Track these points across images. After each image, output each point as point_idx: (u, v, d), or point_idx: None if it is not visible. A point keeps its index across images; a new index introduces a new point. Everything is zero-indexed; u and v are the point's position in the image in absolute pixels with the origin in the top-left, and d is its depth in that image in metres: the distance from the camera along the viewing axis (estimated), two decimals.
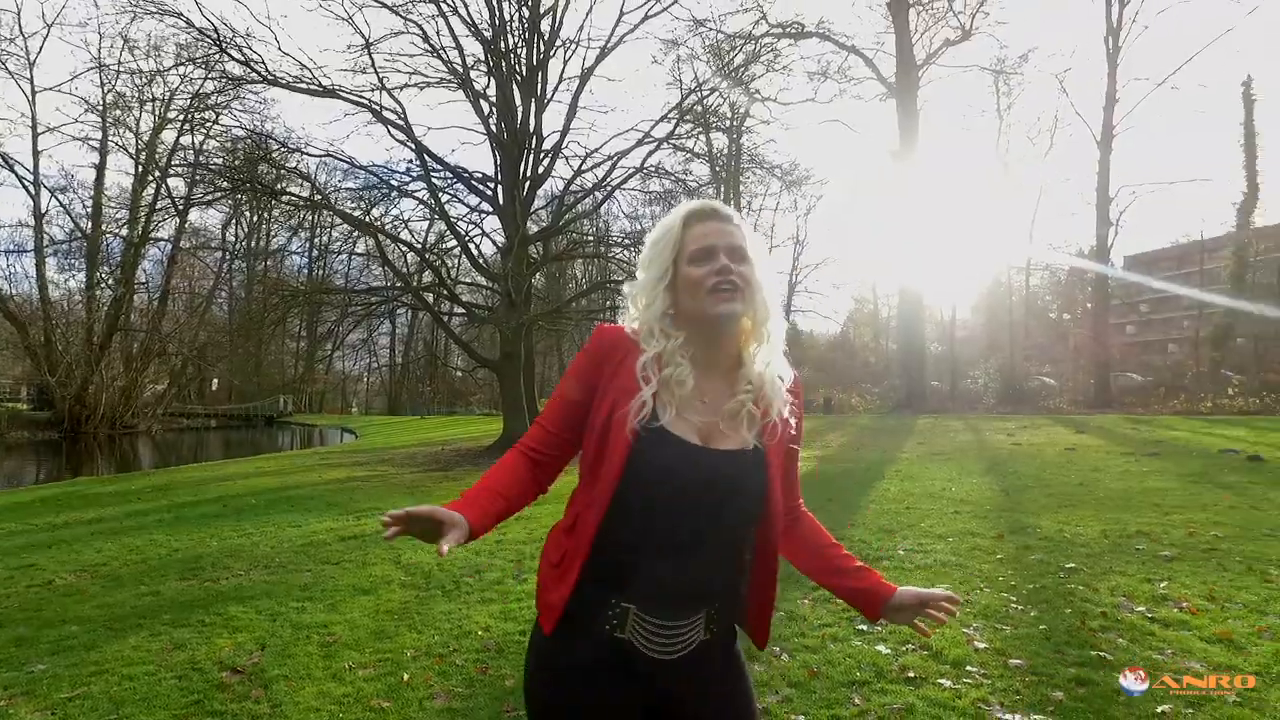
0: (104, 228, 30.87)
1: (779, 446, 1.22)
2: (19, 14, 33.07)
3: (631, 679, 1.15)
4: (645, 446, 1.13)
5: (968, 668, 3.12)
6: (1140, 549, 5.05)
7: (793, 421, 1.24)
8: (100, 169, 31.68)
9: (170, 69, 17.75)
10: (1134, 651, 3.23)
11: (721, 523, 1.15)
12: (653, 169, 16.54)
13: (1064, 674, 3.01)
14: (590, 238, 24.02)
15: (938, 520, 6.25)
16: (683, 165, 21.63)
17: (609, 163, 16.23)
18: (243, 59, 13.88)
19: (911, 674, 3.07)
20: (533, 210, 16.99)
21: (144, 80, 21.19)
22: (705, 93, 17.55)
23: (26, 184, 29.69)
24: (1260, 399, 22.04)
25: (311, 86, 14.21)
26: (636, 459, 1.12)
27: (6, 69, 28.97)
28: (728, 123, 29.98)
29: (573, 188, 17.08)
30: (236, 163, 16.72)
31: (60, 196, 31.16)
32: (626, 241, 24.55)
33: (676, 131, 16.22)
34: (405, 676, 3.20)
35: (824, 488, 8.54)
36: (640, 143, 15.85)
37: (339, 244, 38.77)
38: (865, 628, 3.64)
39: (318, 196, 15.94)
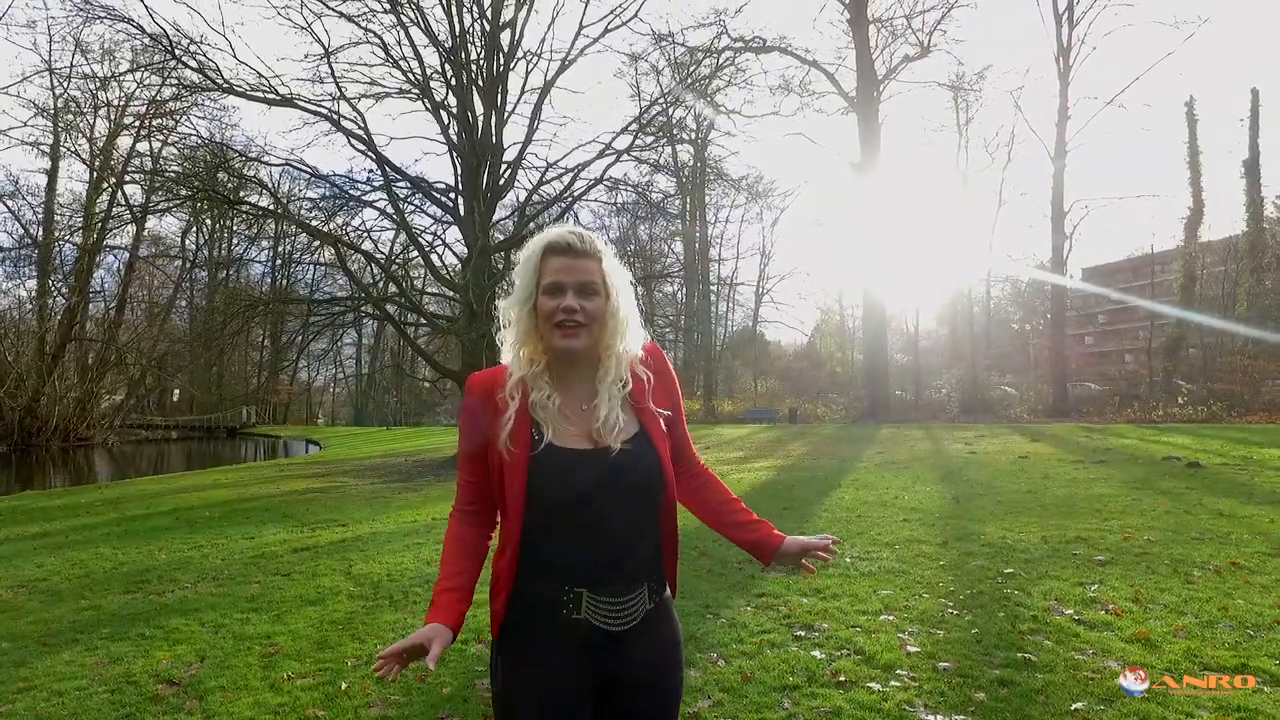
0: (56, 234, 30.14)
1: (655, 424, 1.36)
2: None
3: (587, 652, 1.28)
4: (539, 466, 1.26)
5: (898, 671, 3.20)
6: (1077, 554, 5.21)
7: (659, 394, 1.40)
8: (52, 174, 30.98)
9: (125, 74, 17.39)
10: (1058, 653, 3.34)
11: (629, 504, 1.29)
12: (615, 181, 16.66)
13: (989, 675, 3.11)
14: None
15: (886, 528, 6.38)
16: (647, 177, 21.84)
17: (570, 174, 16.31)
18: (197, 66, 13.72)
19: (842, 678, 3.15)
20: (496, 221, 16.98)
21: (97, 85, 20.78)
22: (668, 105, 17.74)
23: None
24: (1208, 407, 22.71)
25: (269, 95, 14.09)
26: (534, 478, 1.26)
27: None
28: (692, 135, 30.29)
29: (535, 198, 17.13)
30: (196, 170, 16.51)
31: (9, 202, 30.42)
32: None
33: (637, 144, 16.36)
34: (344, 685, 3.20)
35: (780, 496, 8.66)
36: (601, 154, 15.96)
37: (301, 253, 38.40)
38: (803, 634, 3.72)
39: (276, 206, 15.73)
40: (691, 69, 18.68)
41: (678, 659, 1.40)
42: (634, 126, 16.37)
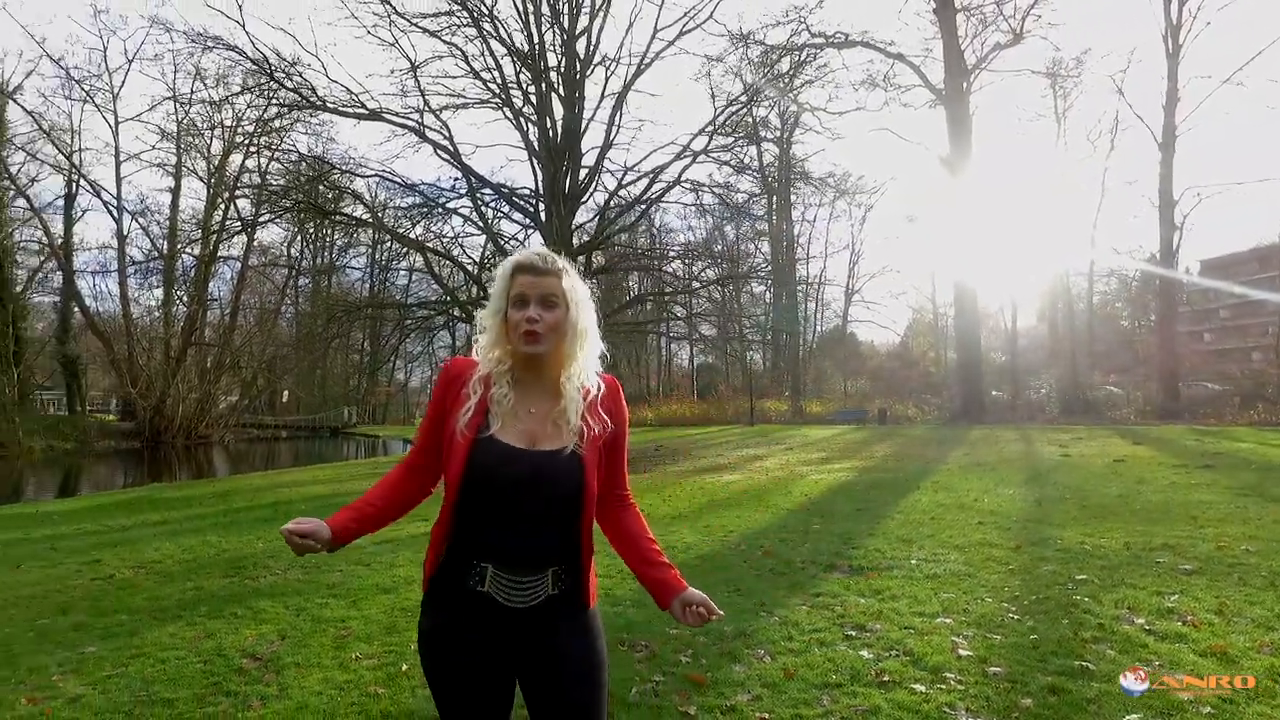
0: (179, 247, 32.63)
1: (593, 445, 1.48)
2: (105, 51, 35.40)
3: (494, 625, 1.43)
4: (478, 450, 1.43)
5: (945, 674, 3.16)
6: (1161, 562, 4.94)
7: (607, 420, 1.52)
8: (175, 192, 33.64)
9: (235, 96, 18.71)
10: (1120, 662, 3.20)
11: (547, 504, 1.44)
12: (693, 183, 16.69)
13: (1039, 682, 3.02)
14: (646, 252, 24.21)
15: (959, 531, 6.21)
16: (729, 178, 21.76)
17: (648, 177, 16.46)
18: (293, 86, 14.62)
19: (886, 678, 3.13)
20: (576, 225, 17.32)
21: (213, 108, 22.45)
22: (747, 104, 17.62)
23: (111, 209, 31.66)
24: None
25: (358, 110, 14.88)
26: (472, 460, 1.42)
27: (94, 102, 31.03)
28: (776, 134, 29.96)
29: (614, 202, 17.36)
30: (298, 184, 17.58)
31: (140, 219, 33.15)
32: (673, 254, 24.75)
33: (714, 145, 16.35)
34: (404, 667, 3.41)
35: (854, 498, 8.52)
36: (678, 156, 16.04)
37: (397, 259, 40.12)
38: (854, 634, 3.71)
39: (369, 215, 16.56)
40: (770, 67, 18.53)
41: (590, 643, 1.48)
42: (710, 128, 16.38)
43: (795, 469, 12.33)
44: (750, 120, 18.18)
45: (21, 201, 30.92)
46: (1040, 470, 10.31)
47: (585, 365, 1.52)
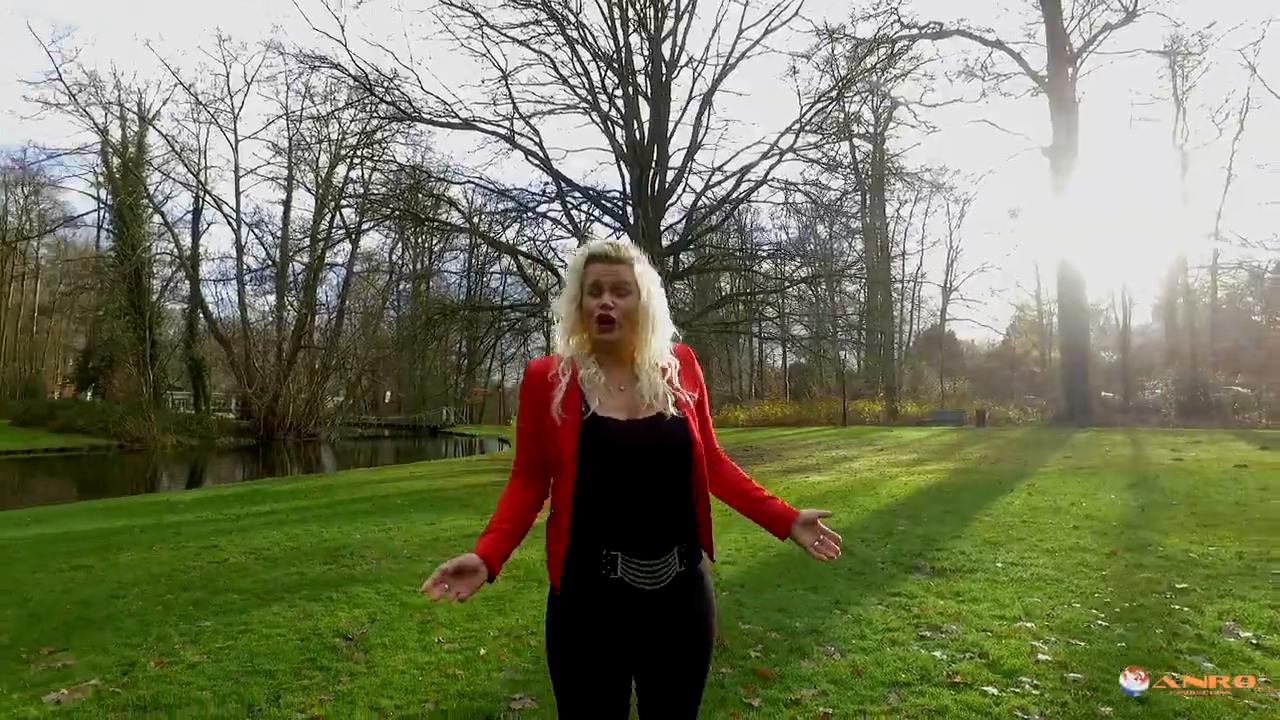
0: (290, 255, 34.81)
1: (685, 405, 1.56)
2: (228, 76, 38.20)
3: (624, 610, 1.48)
4: (586, 428, 1.49)
5: (1020, 678, 3.06)
6: (1277, 573, 4.60)
7: (690, 389, 1.60)
8: (286, 204, 36.00)
9: (340, 110, 19.87)
10: (1218, 676, 3.03)
11: (665, 472, 1.50)
12: (783, 182, 16.53)
13: (1123, 692, 2.90)
14: (735, 252, 24.09)
15: (1050, 535, 5.94)
16: (819, 175, 21.39)
17: (736, 176, 16.40)
18: (390, 100, 15.38)
19: (958, 679, 3.07)
20: (665, 226, 17.44)
21: (320, 123, 23.93)
22: (836, 99, 17.29)
23: (231, 221, 34.25)
24: None
25: (451, 120, 15.49)
26: (583, 437, 1.48)
27: (218, 124, 33.56)
28: (868, 129, 29.22)
29: (702, 202, 17.37)
30: (398, 193, 18.45)
31: (256, 230, 35.59)
32: (762, 254, 24.50)
33: (801, 142, 16.14)
34: (482, 651, 3.59)
35: (942, 500, 8.26)
36: (765, 155, 15.92)
37: (491, 262, 41.35)
38: (928, 635, 3.64)
39: (463, 220, 17.18)
40: (860, 61, 18.13)
41: (709, 621, 1.57)
42: (797, 125, 16.19)
43: (885, 470, 12.03)
44: (840, 116, 17.84)
45: (157, 218, 33.77)
46: (1147, 475, 9.69)
47: (659, 348, 1.58)
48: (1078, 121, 25.15)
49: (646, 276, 1.59)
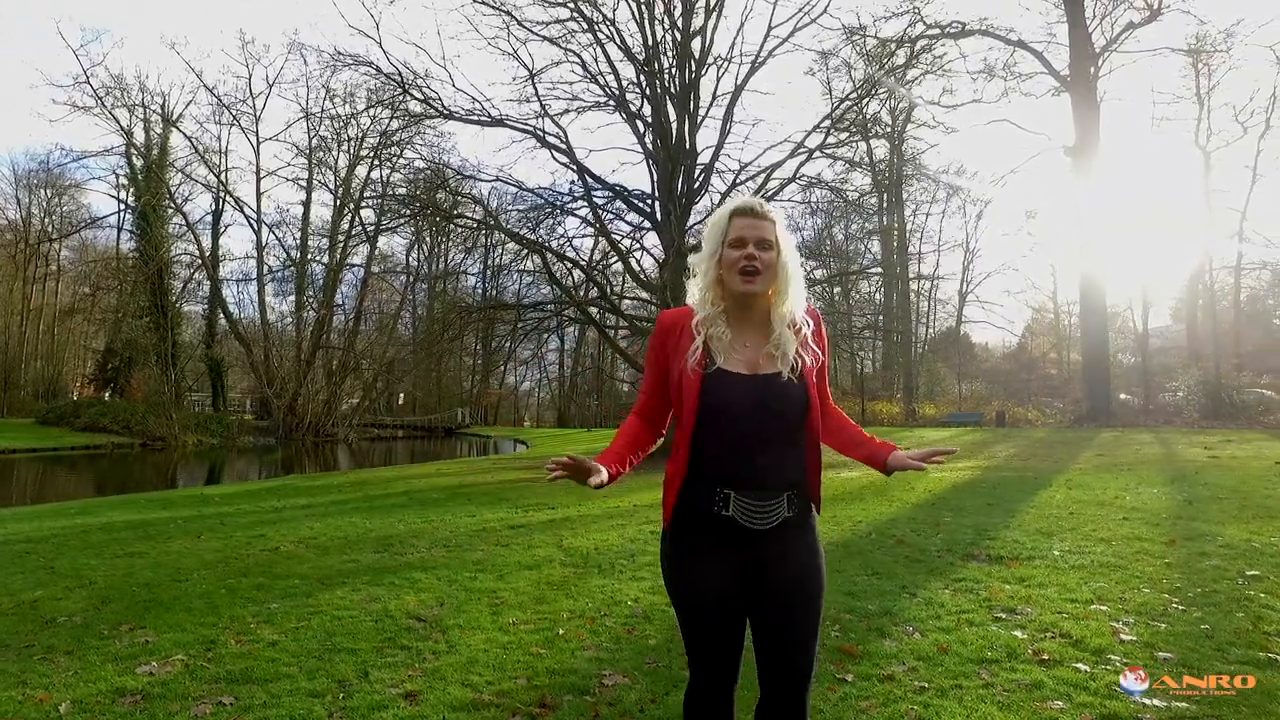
0: (309, 256, 35.04)
1: (809, 369, 1.64)
2: (250, 78, 38.48)
3: (735, 546, 1.57)
4: (710, 382, 1.58)
5: (1109, 655, 3.06)
6: None
7: (818, 352, 1.68)
8: (306, 205, 36.22)
9: (362, 111, 20.02)
10: None
11: (779, 425, 1.58)
12: (808, 179, 16.52)
13: (1221, 669, 2.88)
14: None
15: (1102, 525, 5.91)
16: (841, 175, 21.35)
17: (763, 174, 16.40)
18: (422, 98, 15.49)
19: (1045, 657, 3.06)
20: (691, 224, 17.46)
21: (341, 124, 24.09)
22: (861, 98, 17.27)
23: (252, 222, 34.45)
24: None
25: (481, 118, 15.57)
26: (706, 392, 1.57)
27: (240, 126, 33.82)
28: (888, 129, 29.11)
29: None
30: (417, 191, 18.55)
31: (276, 231, 35.82)
32: None
33: (829, 141, 16.13)
34: (560, 632, 3.60)
35: (983, 494, 8.23)
36: (793, 153, 15.92)
37: (511, 262, 41.48)
38: (1003, 616, 3.63)
39: (488, 219, 17.24)
40: (885, 60, 18.10)
41: (817, 564, 1.63)
42: (825, 124, 16.17)
43: None
44: (862, 116, 17.82)
45: (178, 218, 34.05)
46: (1186, 471, 9.62)
47: (794, 303, 1.65)
48: (1098, 121, 25.01)
49: (786, 237, 1.65)
